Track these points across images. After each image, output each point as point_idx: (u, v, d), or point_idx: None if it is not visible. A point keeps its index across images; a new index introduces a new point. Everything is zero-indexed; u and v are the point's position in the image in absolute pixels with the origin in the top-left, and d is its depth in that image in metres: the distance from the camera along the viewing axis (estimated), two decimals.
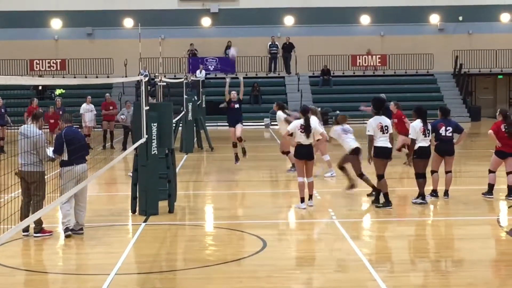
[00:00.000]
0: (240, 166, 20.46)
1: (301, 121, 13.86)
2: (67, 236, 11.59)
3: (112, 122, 26.15)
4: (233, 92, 19.99)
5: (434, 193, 14.78)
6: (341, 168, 15.46)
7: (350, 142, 15.19)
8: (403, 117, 18.87)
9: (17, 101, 30.84)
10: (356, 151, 15.05)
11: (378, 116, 13.96)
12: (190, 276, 9.53)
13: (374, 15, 42.03)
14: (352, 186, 15.29)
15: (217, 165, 21.31)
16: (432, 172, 14.66)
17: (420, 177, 14.21)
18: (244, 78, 40.14)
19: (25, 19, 40.87)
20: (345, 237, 11.49)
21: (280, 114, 17.90)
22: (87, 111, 25.76)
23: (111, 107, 26.46)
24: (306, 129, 13.71)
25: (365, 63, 41.78)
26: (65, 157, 11.60)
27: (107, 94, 27.87)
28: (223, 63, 41.32)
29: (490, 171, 14.84)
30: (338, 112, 37.52)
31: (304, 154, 13.75)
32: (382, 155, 13.81)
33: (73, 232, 11.71)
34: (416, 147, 14.11)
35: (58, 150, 11.61)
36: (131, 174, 14.23)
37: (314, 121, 14.29)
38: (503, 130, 14.51)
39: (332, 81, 40.69)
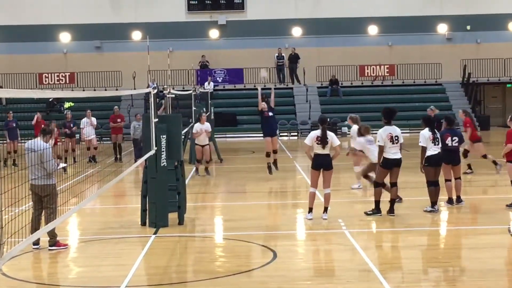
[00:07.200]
0: (249, 177, 20.48)
1: (318, 132, 13.73)
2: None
3: (120, 135, 26.21)
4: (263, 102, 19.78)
5: (450, 201, 14.91)
6: (366, 176, 16.11)
7: (375, 153, 14.81)
8: (468, 124, 19.46)
9: (26, 114, 30.93)
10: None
11: (388, 126, 13.98)
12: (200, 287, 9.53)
13: (382, 25, 42.05)
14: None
15: (226, 177, 21.31)
16: (446, 180, 14.87)
17: (431, 185, 14.25)
18: (252, 89, 40.78)
19: (34, 33, 41.07)
20: (355, 247, 11.47)
21: (355, 128, 17.16)
22: (86, 124, 25.80)
23: (118, 120, 26.52)
24: (323, 140, 13.62)
25: (373, 73, 41.78)
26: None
27: (115, 107, 28.00)
28: (231, 74, 41.41)
29: None
30: (346, 122, 37.67)
31: (320, 163, 13.63)
32: (388, 165, 13.83)
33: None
34: (426, 155, 14.20)
35: None
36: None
37: (354, 130, 15.95)
38: None
39: (341, 91, 40.68)
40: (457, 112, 35.78)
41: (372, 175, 15.43)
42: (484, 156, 19.97)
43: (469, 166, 20.19)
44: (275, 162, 19.84)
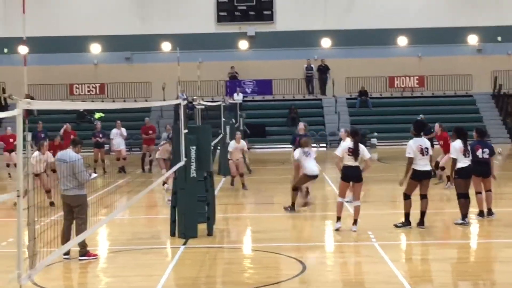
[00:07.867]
0: (278, 189, 20.47)
1: (350, 143, 13.75)
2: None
3: (151, 146, 26.38)
4: (301, 123, 19.57)
5: (481, 213, 14.79)
6: (295, 188, 16.14)
7: (310, 165, 15.91)
8: (448, 138, 19.10)
9: (57, 125, 31.20)
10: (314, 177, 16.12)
11: (418, 138, 13.91)
12: None
13: (411, 37, 41.86)
14: (305, 204, 16.33)
15: (255, 188, 21.30)
16: (476, 193, 14.71)
17: (462, 197, 14.13)
18: (281, 100, 40.78)
19: (65, 45, 41.44)
20: (385, 260, 11.41)
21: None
22: (116, 135, 26.11)
23: (150, 131, 26.72)
24: (355, 152, 13.61)
25: (402, 84, 41.61)
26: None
27: (147, 118, 28.18)
28: (260, 85, 41.47)
29: None
30: (375, 133, 37.55)
31: (351, 175, 13.64)
32: (418, 177, 13.73)
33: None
34: (457, 167, 14.10)
35: None
36: (169, 199, 14.26)
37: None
38: None
39: (371, 103, 40.56)
40: (488, 124, 35.77)
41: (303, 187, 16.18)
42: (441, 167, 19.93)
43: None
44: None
